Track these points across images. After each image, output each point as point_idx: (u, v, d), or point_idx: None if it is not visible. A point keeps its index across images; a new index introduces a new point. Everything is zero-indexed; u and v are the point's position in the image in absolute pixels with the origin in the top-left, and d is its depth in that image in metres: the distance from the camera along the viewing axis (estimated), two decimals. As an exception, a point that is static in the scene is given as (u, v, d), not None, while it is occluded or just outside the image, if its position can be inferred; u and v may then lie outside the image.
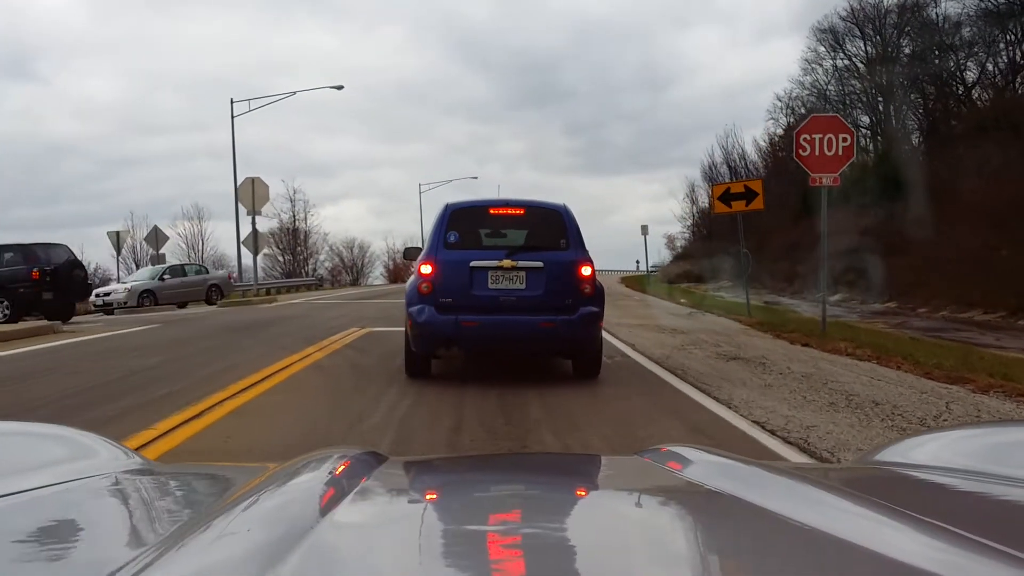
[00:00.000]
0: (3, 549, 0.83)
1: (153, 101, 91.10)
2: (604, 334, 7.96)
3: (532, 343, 6.85)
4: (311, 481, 0.94)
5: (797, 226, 34.77)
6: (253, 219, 24.85)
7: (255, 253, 26.41)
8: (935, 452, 1.23)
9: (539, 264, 6.66)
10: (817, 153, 11.11)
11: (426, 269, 6.74)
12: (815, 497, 0.90)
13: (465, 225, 6.97)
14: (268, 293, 35.78)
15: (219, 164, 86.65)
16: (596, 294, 6.80)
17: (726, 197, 14.90)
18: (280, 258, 62.05)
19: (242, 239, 26.61)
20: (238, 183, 26.42)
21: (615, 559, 0.72)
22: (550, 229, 6.95)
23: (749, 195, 14.57)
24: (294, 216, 61.64)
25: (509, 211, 7.16)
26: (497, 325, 6.62)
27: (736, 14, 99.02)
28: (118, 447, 1.33)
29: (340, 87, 33.78)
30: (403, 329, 7.26)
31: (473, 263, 6.68)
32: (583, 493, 1.11)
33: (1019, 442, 1.25)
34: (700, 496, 0.98)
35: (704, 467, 1.08)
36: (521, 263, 6.63)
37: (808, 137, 11.17)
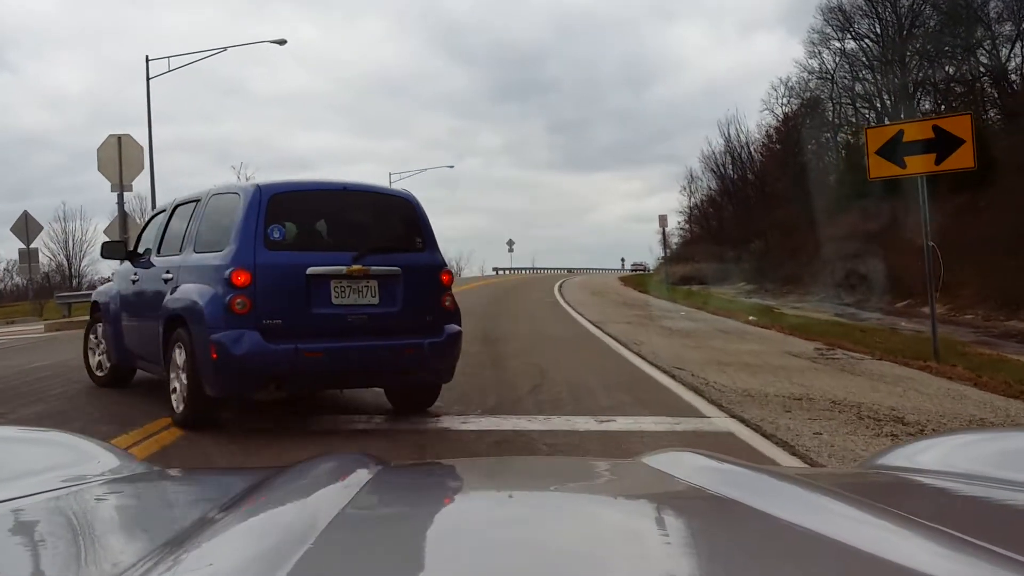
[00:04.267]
0: (3, 554, 0.83)
1: (127, 93, 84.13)
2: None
3: (394, 376, 5.43)
4: (312, 487, 0.94)
5: (831, 220, 30.03)
6: (120, 196, 17.69)
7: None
8: (939, 456, 1.21)
9: (396, 270, 5.29)
10: None
11: (240, 278, 4.91)
12: (819, 502, 0.88)
13: (289, 217, 5.22)
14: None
15: (195, 157, 79.99)
16: (457, 309, 5.60)
17: (891, 150, 8.39)
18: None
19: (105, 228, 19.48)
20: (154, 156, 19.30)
21: (617, 565, 0.72)
22: (401, 224, 5.57)
23: (942, 145, 8.05)
24: (245, 206, 54.47)
25: (348, 198, 5.59)
26: (349, 355, 5.09)
27: (720, 8, 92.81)
28: (119, 452, 1.34)
29: (283, 42, 29.43)
30: None
31: (311, 270, 5.06)
32: (585, 498, 1.08)
33: (1022, 447, 1.22)
34: (702, 501, 0.96)
35: (706, 472, 1.05)
36: (374, 269, 5.20)
37: None
